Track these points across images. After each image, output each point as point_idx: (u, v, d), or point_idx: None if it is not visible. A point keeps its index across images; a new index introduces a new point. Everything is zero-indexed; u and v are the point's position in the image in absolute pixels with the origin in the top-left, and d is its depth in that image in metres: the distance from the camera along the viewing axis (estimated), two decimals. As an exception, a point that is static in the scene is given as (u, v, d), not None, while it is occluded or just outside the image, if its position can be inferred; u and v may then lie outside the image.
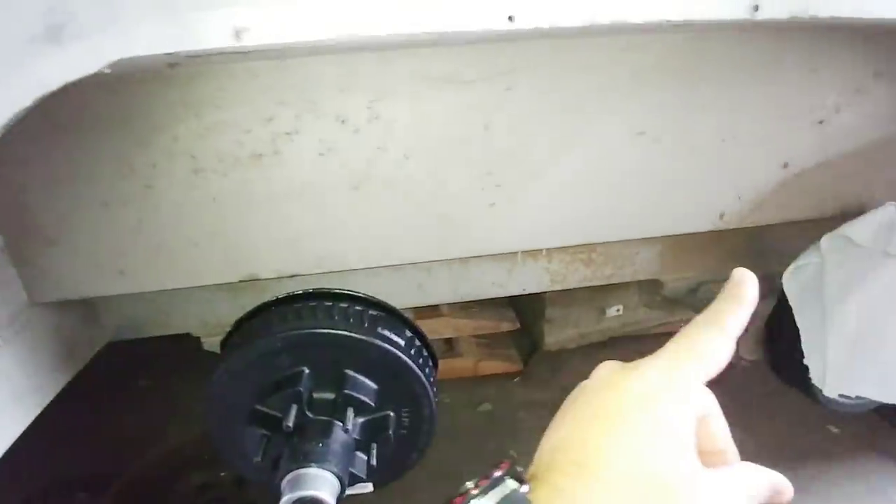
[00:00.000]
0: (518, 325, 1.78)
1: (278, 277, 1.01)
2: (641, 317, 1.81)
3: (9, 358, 0.92)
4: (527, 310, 1.87)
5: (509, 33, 0.58)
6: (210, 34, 0.54)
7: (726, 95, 1.00)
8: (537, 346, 1.89)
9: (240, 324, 0.96)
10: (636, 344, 1.83)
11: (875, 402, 1.19)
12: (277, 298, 0.94)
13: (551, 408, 1.60)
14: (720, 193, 1.09)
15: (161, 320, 1.21)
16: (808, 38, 0.99)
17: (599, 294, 1.77)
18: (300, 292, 0.94)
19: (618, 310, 1.78)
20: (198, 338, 1.25)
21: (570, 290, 1.75)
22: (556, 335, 1.83)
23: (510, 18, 0.55)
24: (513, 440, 1.47)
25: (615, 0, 0.59)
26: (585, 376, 1.64)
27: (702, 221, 1.10)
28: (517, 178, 0.97)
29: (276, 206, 0.91)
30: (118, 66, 0.56)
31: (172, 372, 1.89)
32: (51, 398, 1.03)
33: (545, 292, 1.82)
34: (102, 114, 0.84)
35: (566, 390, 1.63)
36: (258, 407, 0.90)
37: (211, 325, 1.21)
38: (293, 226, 0.94)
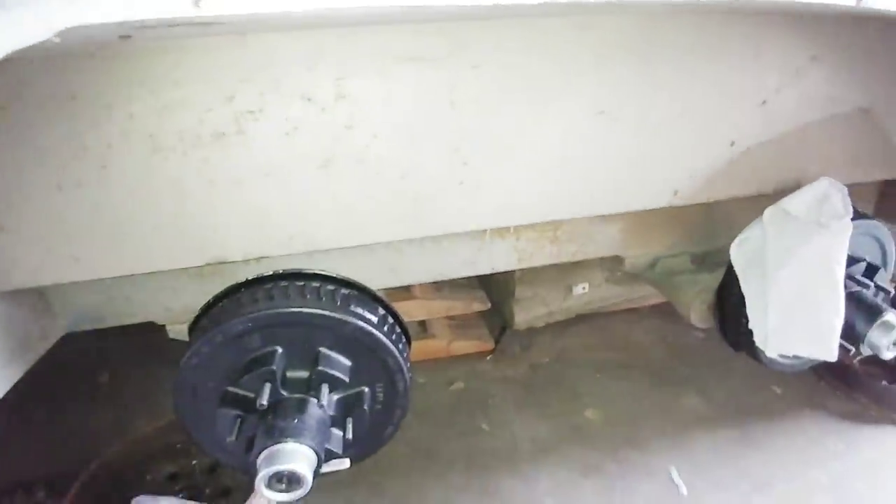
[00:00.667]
0: (489, 305, 1.82)
1: (246, 260, 0.99)
2: (605, 294, 1.89)
3: (-46, 353, 0.87)
4: (496, 290, 1.92)
5: (472, 8, 0.59)
6: (166, 2, 0.53)
7: (678, 77, 1.05)
8: (507, 325, 1.94)
9: (208, 307, 0.95)
10: (602, 320, 1.91)
11: (811, 361, 1.30)
12: (247, 280, 0.93)
13: (522, 384, 1.66)
14: (674, 171, 1.15)
15: (121, 309, 1.17)
16: (752, 23, 1.05)
17: (566, 273, 1.83)
18: (270, 273, 0.94)
19: (584, 288, 1.85)
20: (157, 328, 1.21)
21: (538, 270, 1.81)
22: (525, 314, 1.88)
23: (473, -7, 0.57)
24: (485, 416, 1.52)
25: (573, -22, 0.61)
26: (554, 353, 1.71)
27: (658, 198, 1.16)
28: (485, 156, 0.99)
29: (242, 186, 0.90)
30: (67, 35, 0.54)
31: (132, 365, 1.84)
32: (2, 395, 0.99)
33: (514, 273, 1.87)
34: (50, 91, 0.80)
35: (536, 367, 1.69)
36: (230, 388, 0.89)
37: (176, 311, 1.18)
38: (260, 206, 0.92)
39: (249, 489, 1.18)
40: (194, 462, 1.26)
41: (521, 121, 1.00)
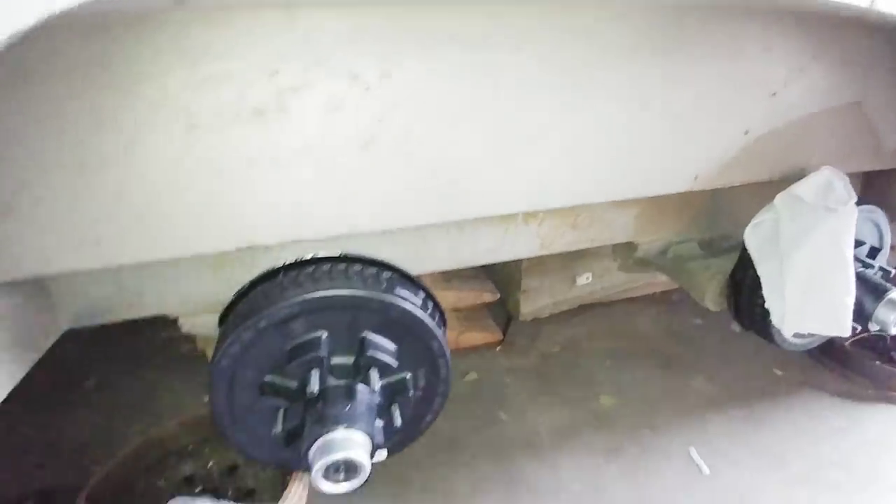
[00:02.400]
0: (498, 296, 1.82)
1: (267, 247, 0.95)
2: (608, 283, 1.93)
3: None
4: (502, 282, 1.92)
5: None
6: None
7: (700, 67, 1.09)
8: (512, 316, 1.94)
9: (244, 293, 0.90)
10: (604, 309, 1.95)
11: (821, 339, 1.37)
12: (286, 264, 0.89)
13: (535, 373, 1.66)
14: (695, 156, 1.19)
15: (132, 301, 1.09)
16: (762, 21, 1.10)
17: (570, 263, 1.85)
18: (309, 257, 0.90)
19: (587, 278, 1.88)
20: (142, 332, 1.14)
21: (544, 260, 1.82)
22: (531, 305, 1.89)
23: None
24: (502, 405, 1.52)
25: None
26: (562, 342, 1.72)
27: (680, 182, 1.19)
28: (521, 140, 0.99)
29: (280, 166, 0.86)
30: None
31: (118, 370, 1.74)
32: (5, 394, 0.91)
33: (521, 264, 1.88)
34: (76, 60, 0.74)
35: (546, 357, 1.69)
36: (271, 378, 0.85)
37: (191, 303, 1.11)
38: (298, 188, 0.89)
39: (274, 489, 1.13)
40: (211, 463, 1.19)
41: (557, 105, 1.00)
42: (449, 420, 1.44)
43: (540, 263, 1.82)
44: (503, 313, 1.96)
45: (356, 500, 1.19)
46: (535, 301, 1.90)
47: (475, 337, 1.80)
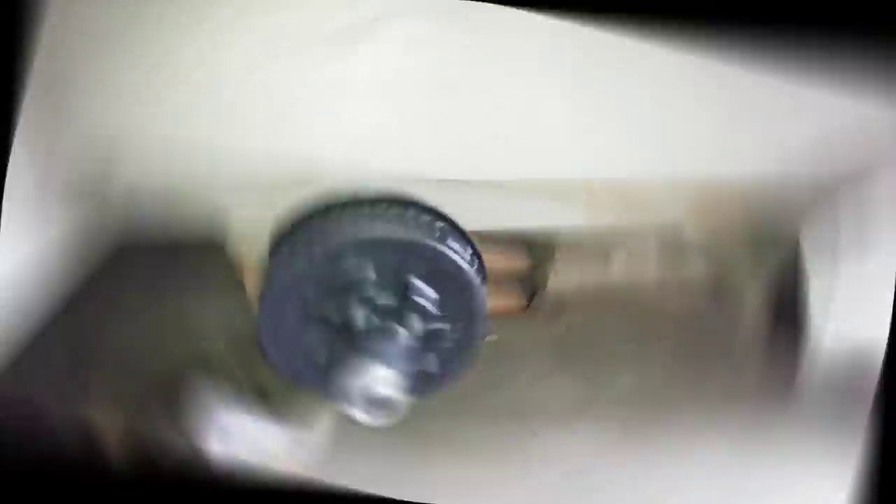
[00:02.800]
0: (529, 263, 1.82)
1: (339, 180, 0.94)
2: (641, 266, 1.89)
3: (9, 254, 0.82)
4: (534, 251, 1.90)
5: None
6: None
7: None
8: (538, 287, 1.94)
9: (297, 224, 0.92)
10: (633, 291, 1.93)
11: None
12: (342, 201, 0.90)
13: (557, 344, 1.63)
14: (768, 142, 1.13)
15: (184, 223, 1.12)
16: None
17: (607, 241, 1.82)
18: (366, 196, 0.90)
19: (623, 257, 1.85)
20: (189, 255, 1.17)
21: (581, 235, 1.80)
22: (559, 277, 1.88)
23: None
24: (522, 369, 1.54)
25: None
26: (585, 318, 1.68)
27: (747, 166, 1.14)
28: (598, 99, 0.95)
29: (352, 99, 0.85)
30: None
31: (162, 291, 1.80)
32: (60, 308, 0.95)
33: (556, 235, 1.86)
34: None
35: (569, 329, 1.66)
36: (317, 310, 0.88)
37: (243, 230, 1.13)
38: (368, 125, 0.87)
39: (306, 416, 1.18)
40: (247, 385, 1.24)
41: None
42: (468, 378, 1.48)
43: (576, 237, 1.79)
44: (530, 282, 1.96)
45: (373, 453, 1.24)
46: (564, 274, 1.89)
47: (500, 302, 1.80)
